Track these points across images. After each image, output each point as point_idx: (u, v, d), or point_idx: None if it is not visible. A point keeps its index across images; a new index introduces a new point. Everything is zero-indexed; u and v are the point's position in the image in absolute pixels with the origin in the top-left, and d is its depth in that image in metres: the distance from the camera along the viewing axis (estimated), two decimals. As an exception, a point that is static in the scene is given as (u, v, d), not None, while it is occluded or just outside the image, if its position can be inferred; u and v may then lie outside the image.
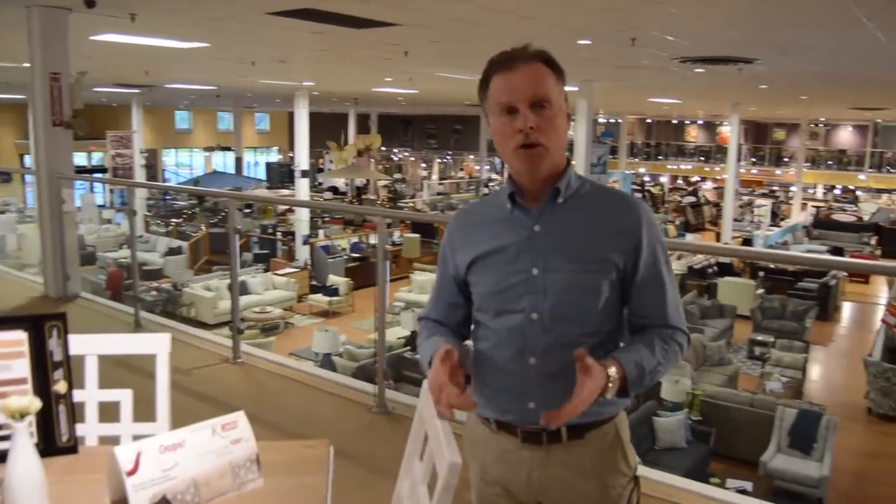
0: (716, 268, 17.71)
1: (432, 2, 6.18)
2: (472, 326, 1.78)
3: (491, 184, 34.18)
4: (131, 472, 1.37)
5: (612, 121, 32.35)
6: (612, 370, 1.51)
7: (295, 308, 15.35)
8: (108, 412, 1.86)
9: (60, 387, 1.63)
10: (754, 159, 33.14)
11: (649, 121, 35.33)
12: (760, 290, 16.07)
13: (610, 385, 1.49)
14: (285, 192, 24.41)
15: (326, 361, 9.92)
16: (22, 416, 1.37)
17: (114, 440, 1.83)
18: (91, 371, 1.84)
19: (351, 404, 4.05)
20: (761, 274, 17.68)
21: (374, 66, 11.55)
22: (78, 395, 1.78)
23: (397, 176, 34.06)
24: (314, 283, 16.49)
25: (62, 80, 6.02)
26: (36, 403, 1.39)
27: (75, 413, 1.69)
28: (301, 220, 18.26)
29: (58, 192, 6.10)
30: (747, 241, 23.12)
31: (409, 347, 10.98)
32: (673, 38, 7.54)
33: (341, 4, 6.11)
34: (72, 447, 1.68)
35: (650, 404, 8.72)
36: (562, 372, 1.54)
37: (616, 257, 1.60)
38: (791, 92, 14.75)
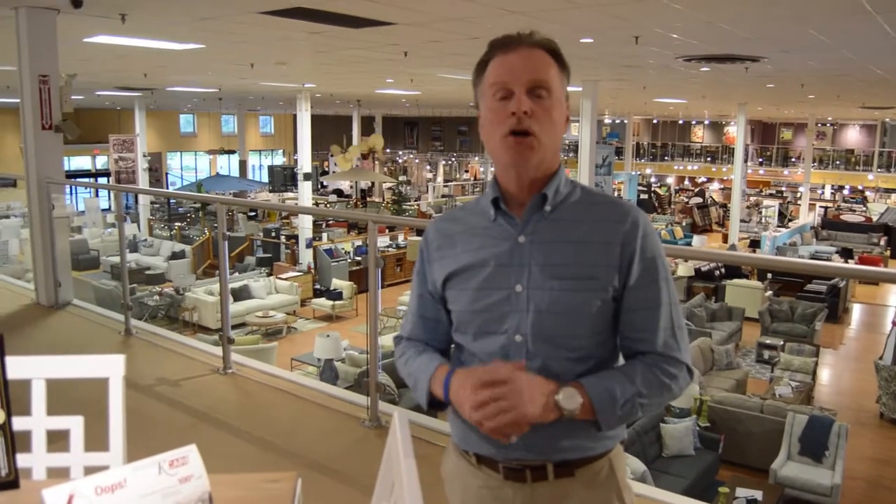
0: (723, 270, 17.52)
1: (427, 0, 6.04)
2: (453, 349, 1.61)
3: (496, 186, 34.02)
4: (62, 519, 1.22)
5: (617, 121, 32.17)
6: (563, 393, 1.34)
7: (298, 312, 15.26)
8: (61, 440, 1.71)
9: (-3, 416, 1.48)
10: (761, 160, 32.89)
11: (655, 121, 35.14)
12: (769, 293, 15.89)
13: (560, 399, 1.34)
14: (288, 195, 24.33)
15: (328, 367, 9.78)
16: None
17: (63, 472, 1.68)
18: (38, 396, 1.68)
19: (343, 417, 3.89)
20: (769, 276, 17.48)
21: (375, 67, 11.42)
22: (23, 423, 1.63)
23: (402, 178, 33.95)
24: (317, 286, 16.40)
25: (51, 83, 5.88)
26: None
27: (15, 443, 1.53)
28: (304, 224, 18.15)
29: (47, 196, 5.97)
30: (755, 243, 22.92)
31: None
32: (677, 37, 7.37)
33: (333, 3, 5.96)
34: (12, 482, 1.52)
35: (657, 410, 8.56)
36: None
37: (609, 273, 1.43)
38: (798, 91, 14.55)
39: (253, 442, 3.57)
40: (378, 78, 14.12)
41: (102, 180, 27.58)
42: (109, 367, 1.71)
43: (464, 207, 1.62)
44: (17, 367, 1.58)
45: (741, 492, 7.13)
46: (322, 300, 15.36)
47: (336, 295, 15.13)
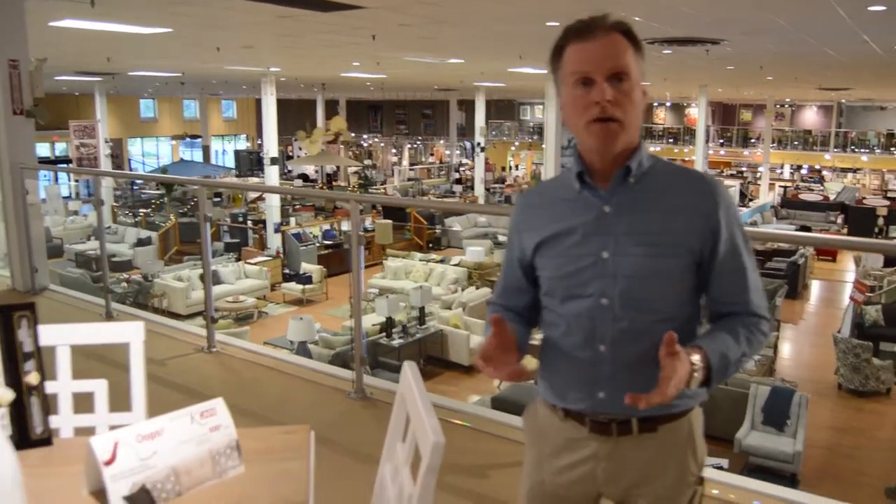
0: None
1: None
2: (543, 312, 1.70)
3: (462, 168, 34.19)
4: (109, 462, 1.33)
5: (581, 104, 32.41)
6: (696, 357, 1.43)
7: (268, 297, 15.26)
8: (84, 403, 1.82)
9: (32, 378, 1.58)
10: (722, 140, 33.44)
11: (618, 104, 35.45)
12: (730, 270, 16.23)
13: (695, 374, 1.42)
14: (255, 180, 24.18)
15: (302, 349, 9.86)
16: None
17: (89, 431, 1.78)
18: (63, 362, 1.79)
19: (328, 391, 4.01)
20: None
21: (342, 50, 11.43)
22: (51, 387, 1.73)
23: (367, 162, 33.90)
24: (287, 271, 16.41)
25: (21, 68, 5.85)
26: (8, 395, 1.35)
27: (48, 405, 1.63)
28: (272, 206, 18.10)
29: (21, 182, 5.96)
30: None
31: (384, 334, 10.98)
32: (640, 19, 7.54)
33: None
34: (46, 439, 1.63)
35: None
36: (634, 361, 1.51)
37: (692, 241, 1.52)
38: (758, 73, 14.86)
39: (244, 415, 3.63)
40: (344, 61, 14.11)
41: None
42: (130, 333, 1.82)
43: (550, 182, 1.74)
44: (44, 334, 1.67)
45: (708, 460, 7.33)
46: (292, 284, 15.38)
47: (306, 279, 15.17)
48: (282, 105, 19.53)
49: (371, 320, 11.39)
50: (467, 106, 30.90)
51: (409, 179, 32.26)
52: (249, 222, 19.77)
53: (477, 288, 14.17)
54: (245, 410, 3.73)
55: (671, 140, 33.99)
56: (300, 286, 15.07)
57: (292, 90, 26.16)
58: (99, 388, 1.79)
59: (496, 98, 31.08)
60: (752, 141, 32.52)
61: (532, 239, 1.63)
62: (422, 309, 11.56)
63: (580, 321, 1.56)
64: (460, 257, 16.87)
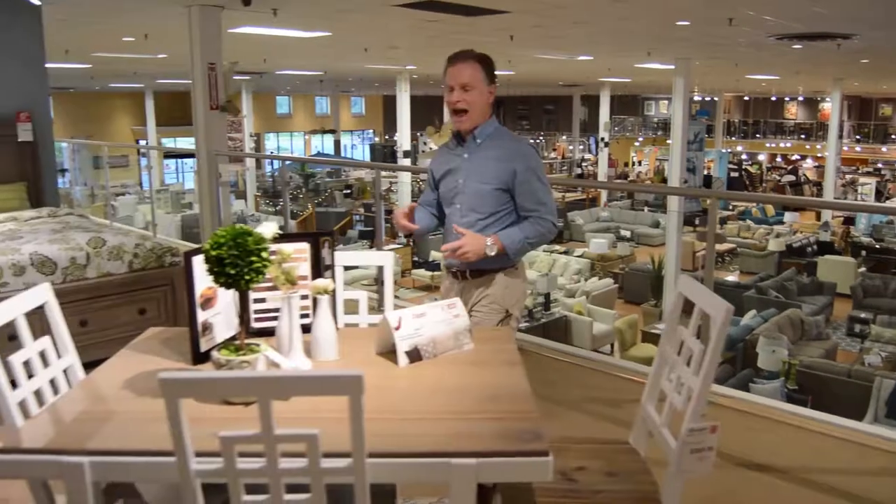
0: (815, 247, 17.61)
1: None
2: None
3: (584, 164, 34.35)
4: (397, 328, 2.07)
5: (707, 99, 31.96)
6: (489, 240, 2.65)
7: (399, 282, 16.11)
8: (350, 306, 2.59)
9: (329, 284, 2.33)
10: (859, 136, 32.05)
11: (747, 98, 34.65)
12: (862, 269, 15.91)
13: (488, 246, 2.64)
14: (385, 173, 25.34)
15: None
16: (326, 292, 2.08)
17: (354, 325, 2.56)
18: (338, 277, 2.55)
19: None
20: (864, 253, 17.47)
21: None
22: (330, 294, 2.48)
23: (490, 157, 34.33)
24: (416, 258, 17.30)
25: (217, 70, 6.86)
26: (331, 285, 2.10)
27: (335, 304, 2.39)
28: (403, 193, 19.08)
29: (216, 167, 6.98)
30: (849, 220, 22.65)
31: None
32: (769, 18, 7.81)
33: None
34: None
35: (747, 372, 9.07)
36: None
37: (502, 177, 2.72)
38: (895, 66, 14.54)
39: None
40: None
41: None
42: (385, 258, 2.59)
43: (449, 141, 2.93)
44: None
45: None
46: (421, 271, 16.24)
47: (434, 266, 15.97)
48: (411, 101, 20.53)
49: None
50: (590, 101, 31.05)
51: (531, 174, 32.54)
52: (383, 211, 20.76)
53: (600, 278, 14.61)
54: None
55: (803, 136, 32.87)
56: (429, 272, 15.88)
57: (420, 87, 27.11)
58: (362, 297, 2.56)
59: (619, 94, 31.07)
60: (893, 137, 31.03)
61: (437, 172, 2.93)
62: (547, 295, 12.15)
63: (450, 217, 2.85)
64: (583, 249, 17.42)
